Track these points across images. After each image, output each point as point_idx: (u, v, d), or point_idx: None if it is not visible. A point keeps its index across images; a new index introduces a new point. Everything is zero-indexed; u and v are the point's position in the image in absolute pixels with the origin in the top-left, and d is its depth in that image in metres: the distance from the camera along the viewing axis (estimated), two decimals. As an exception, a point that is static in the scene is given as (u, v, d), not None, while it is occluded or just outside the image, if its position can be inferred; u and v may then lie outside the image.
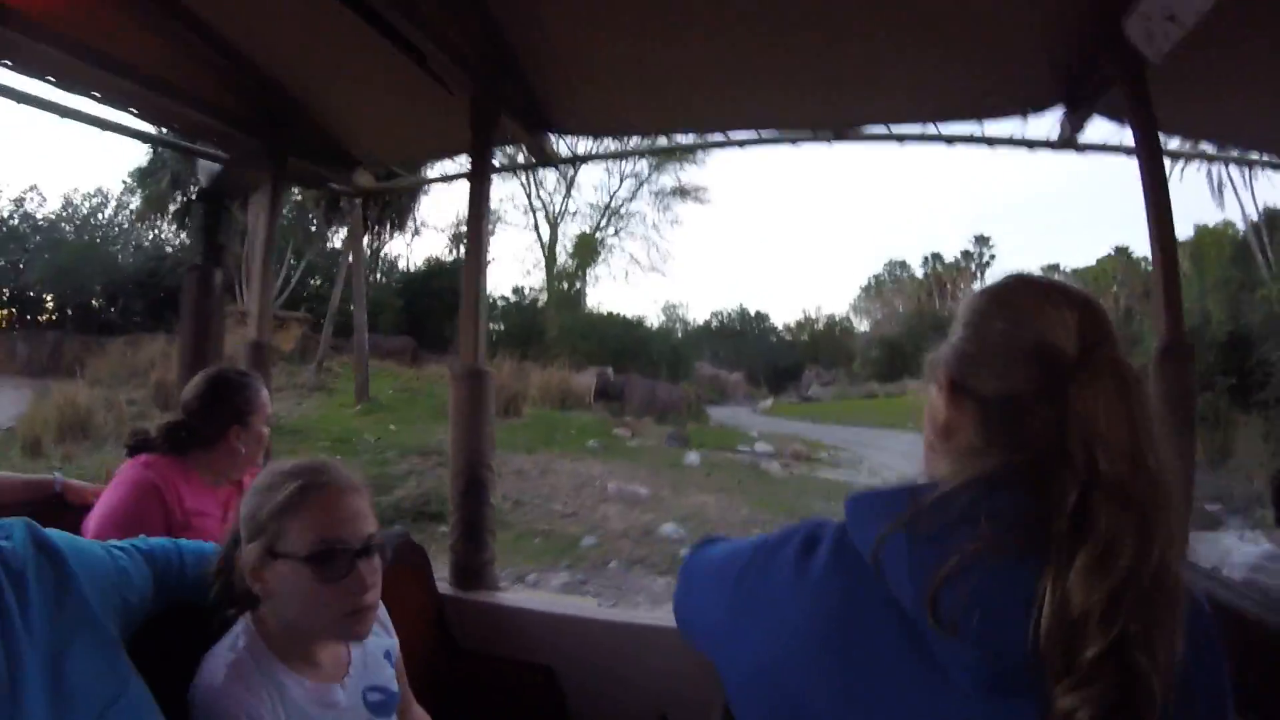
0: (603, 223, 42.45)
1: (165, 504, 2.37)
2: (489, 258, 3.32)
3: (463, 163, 3.75)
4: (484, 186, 3.32)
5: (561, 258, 42.37)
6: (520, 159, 4.18)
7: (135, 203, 28.86)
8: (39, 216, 35.90)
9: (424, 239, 58.89)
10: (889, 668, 0.94)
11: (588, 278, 41.63)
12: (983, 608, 0.88)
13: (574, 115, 3.57)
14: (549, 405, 22.46)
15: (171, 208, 26.41)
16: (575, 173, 37.74)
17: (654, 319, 51.94)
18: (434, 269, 38.03)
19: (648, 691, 2.62)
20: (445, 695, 2.29)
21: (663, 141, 3.55)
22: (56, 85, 3.30)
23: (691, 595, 1.29)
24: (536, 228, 41.95)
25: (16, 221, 35.39)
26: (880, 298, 66.57)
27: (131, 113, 3.62)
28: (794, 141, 3.38)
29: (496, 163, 3.64)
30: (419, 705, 1.95)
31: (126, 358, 24.64)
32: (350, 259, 23.19)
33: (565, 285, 41.18)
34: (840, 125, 3.32)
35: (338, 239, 26.83)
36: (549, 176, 39.28)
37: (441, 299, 34.03)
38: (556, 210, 41.99)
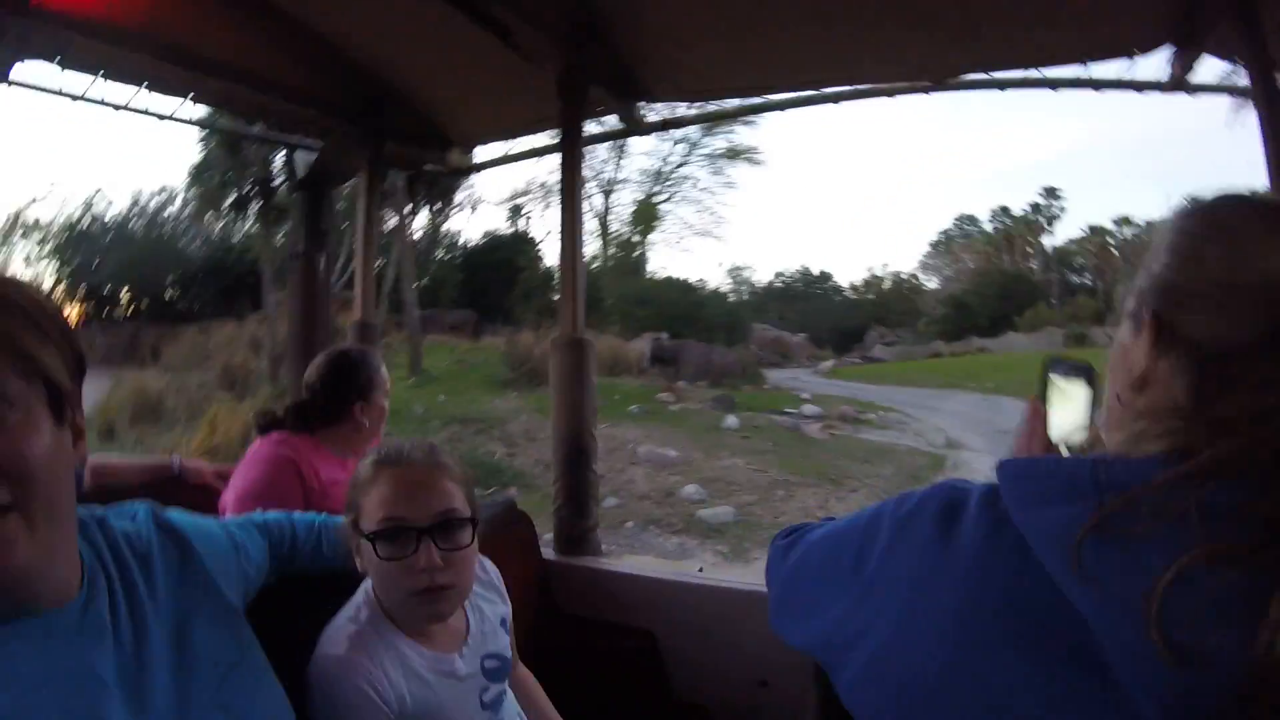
0: (655, 189, 41.96)
1: (302, 476, 2.47)
2: (582, 229, 3.24)
3: (555, 135, 3.66)
4: (576, 158, 3.30)
5: (615, 225, 42.07)
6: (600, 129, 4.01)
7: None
8: (108, 216, 37.27)
9: (483, 214, 58.17)
10: (1049, 679, 0.79)
11: (648, 243, 41.14)
12: (1193, 629, 0.71)
13: (664, 80, 3.50)
14: (599, 372, 22.30)
15: (226, 202, 26.40)
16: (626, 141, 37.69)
17: (716, 283, 51.34)
18: (493, 243, 38.12)
19: (748, 657, 2.59)
20: (548, 659, 2.26)
21: (755, 101, 3.42)
22: (150, 90, 3.38)
23: (790, 587, 1.17)
24: (590, 197, 41.98)
25: (88, 223, 36.69)
26: (950, 254, 64.08)
27: (228, 110, 3.77)
28: (890, 94, 3.26)
29: (590, 132, 3.58)
30: (523, 666, 1.98)
31: (198, 344, 26.13)
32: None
33: (625, 253, 40.89)
34: (939, 74, 3.18)
35: (394, 221, 27.39)
36: (600, 146, 38.58)
37: (500, 271, 34.75)
38: (609, 179, 41.76)
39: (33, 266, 37.35)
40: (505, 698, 1.75)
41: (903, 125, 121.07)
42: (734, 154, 40.58)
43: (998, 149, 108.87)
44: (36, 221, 36.73)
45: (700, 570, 2.88)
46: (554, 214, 38.23)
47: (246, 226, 28.35)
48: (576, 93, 3.26)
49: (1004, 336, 41.62)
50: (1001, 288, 49.51)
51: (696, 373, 24.23)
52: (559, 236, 3.30)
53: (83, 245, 35.76)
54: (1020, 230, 59.07)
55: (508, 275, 34.50)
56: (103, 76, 3.21)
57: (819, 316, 51.68)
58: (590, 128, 3.55)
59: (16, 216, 37.10)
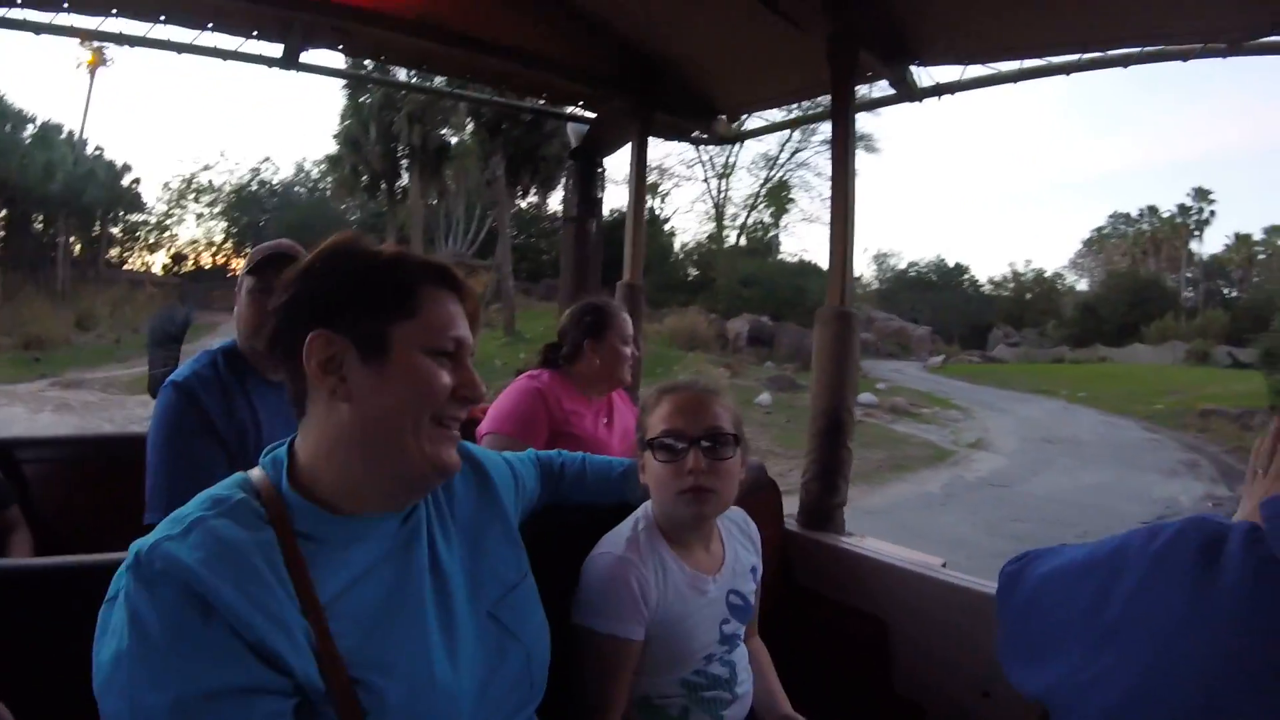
0: (773, 174, 41.21)
1: (548, 405, 2.77)
2: (853, 201, 3.01)
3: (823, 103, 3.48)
4: (847, 126, 3.07)
5: (732, 209, 41.44)
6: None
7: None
8: (275, 182, 40.34)
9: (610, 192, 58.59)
10: None
11: (781, 226, 40.41)
12: None
13: (939, 41, 3.22)
14: (678, 346, 24.02)
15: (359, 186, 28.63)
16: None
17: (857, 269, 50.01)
18: (611, 220, 38.88)
19: (976, 664, 2.36)
20: (779, 629, 2.22)
21: (1036, 63, 3.07)
22: (428, 71, 3.85)
23: (1019, 623, 1.16)
24: (706, 180, 41.27)
25: (256, 188, 39.82)
26: (1103, 253, 59.16)
27: (502, 89, 3.94)
28: (1184, 57, 2.89)
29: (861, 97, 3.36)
30: (758, 638, 2.07)
31: None
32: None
33: (750, 235, 40.31)
34: (1238, 34, 2.76)
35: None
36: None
37: (619, 248, 34.71)
38: (723, 164, 41.07)
39: (203, 224, 39.88)
40: (741, 644, 1.87)
41: (1054, 116, 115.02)
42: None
43: (1154, 142, 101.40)
44: (210, 183, 39.10)
45: (944, 565, 2.63)
46: (679, 194, 37.98)
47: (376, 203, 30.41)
48: (846, 57, 3.05)
49: (1129, 347, 39.23)
50: (1133, 294, 46.08)
51: (789, 354, 24.48)
52: (829, 207, 3.10)
53: (250, 207, 37.82)
54: (1167, 233, 54.66)
55: (619, 252, 34.81)
56: (382, 61, 3.52)
57: (949, 310, 48.79)
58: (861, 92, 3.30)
59: (190, 179, 39.56)
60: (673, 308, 28.80)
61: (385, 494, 1.19)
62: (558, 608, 1.58)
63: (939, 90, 3.28)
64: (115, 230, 40.25)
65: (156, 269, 41.50)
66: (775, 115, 4.24)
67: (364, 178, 28.05)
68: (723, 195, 41.61)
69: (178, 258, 42.42)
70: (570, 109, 4.18)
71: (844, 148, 3.05)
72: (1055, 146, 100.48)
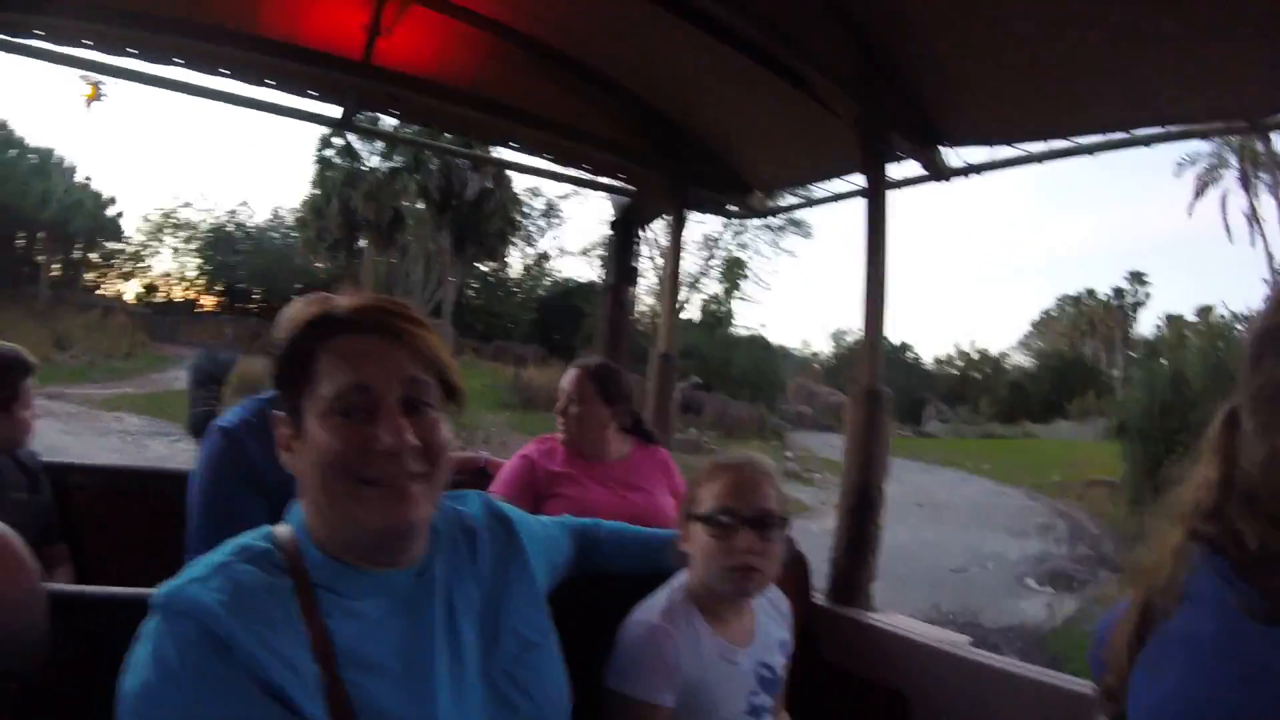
0: (714, 254, 41.67)
1: (534, 471, 2.76)
2: (884, 279, 2.98)
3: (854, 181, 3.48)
4: (880, 204, 3.03)
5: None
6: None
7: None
8: (250, 225, 40.47)
9: (564, 261, 59.08)
10: None
11: (733, 299, 40.52)
12: None
13: (963, 124, 3.19)
14: None
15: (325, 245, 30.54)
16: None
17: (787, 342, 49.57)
18: (567, 289, 39.13)
19: None
20: (802, 702, 2.13)
21: (1062, 145, 3.07)
22: (481, 141, 4.02)
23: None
24: (651, 257, 41.85)
25: (231, 229, 39.90)
26: (1048, 334, 58.98)
27: (545, 157, 3.83)
28: (1205, 136, 2.92)
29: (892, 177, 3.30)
30: (785, 712, 2.00)
31: None
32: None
33: (714, 308, 40.49)
34: (1259, 111, 2.70)
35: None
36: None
37: (569, 315, 35.46)
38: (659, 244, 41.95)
39: (178, 259, 39.84)
40: (767, 717, 1.81)
41: (1020, 198, 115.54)
42: (793, 224, 39.72)
43: (1113, 225, 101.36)
44: (187, 222, 39.00)
45: (972, 643, 2.55)
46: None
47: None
48: (875, 138, 3.03)
49: (1054, 423, 39.35)
50: (1059, 373, 46.62)
51: (712, 422, 25.07)
52: (863, 285, 3.02)
53: (224, 247, 37.80)
54: (1101, 315, 55.17)
55: (575, 318, 34.95)
56: (433, 126, 3.80)
57: (889, 386, 48.83)
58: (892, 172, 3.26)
59: (169, 214, 39.55)
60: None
61: (365, 551, 1.16)
62: (595, 674, 1.62)
63: (968, 170, 3.27)
64: (93, 256, 39.65)
65: (129, 296, 40.97)
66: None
67: (326, 242, 29.77)
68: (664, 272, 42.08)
69: (150, 288, 42.11)
70: (609, 179, 4.12)
71: (877, 225, 3.00)
72: (1014, 229, 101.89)
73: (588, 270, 40.37)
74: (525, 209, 35.52)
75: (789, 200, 3.96)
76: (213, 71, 3.10)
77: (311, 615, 1.08)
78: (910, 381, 50.18)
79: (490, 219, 28.97)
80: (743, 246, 38.18)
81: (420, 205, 29.35)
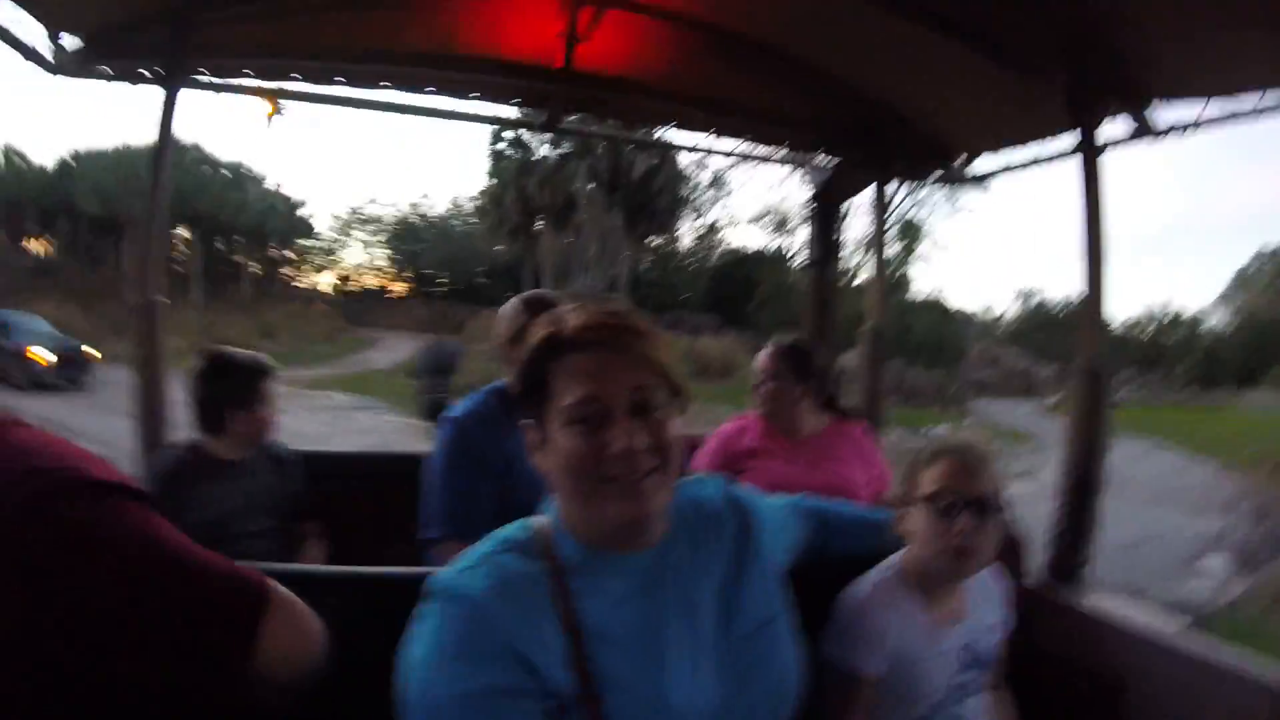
0: (887, 215, 40.20)
1: (725, 447, 2.88)
2: (1103, 246, 2.81)
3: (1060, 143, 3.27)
4: (1092, 166, 2.86)
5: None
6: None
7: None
8: (432, 215, 42.98)
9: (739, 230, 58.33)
10: None
11: (912, 262, 39.14)
12: None
13: (1178, 80, 2.92)
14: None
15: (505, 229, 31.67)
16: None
17: (974, 306, 46.90)
18: (739, 258, 38.60)
19: None
20: (1013, 689, 2.12)
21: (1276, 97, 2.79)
22: (678, 128, 3.73)
23: None
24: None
25: (415, 220, 42.46)
26: (1244, 294, 51.32)
27: (746, 139, 3.86)
28: None
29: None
30: (1002, 690, 2.04)
31: (492, 323, 28.63)
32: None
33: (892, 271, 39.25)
34: None
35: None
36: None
37: (743, 284, 35.23)
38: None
39: (367, 250, 42.61)
40: (973, 697, 1.85)
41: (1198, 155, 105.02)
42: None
43: None
44: (373, 217, 41.81)
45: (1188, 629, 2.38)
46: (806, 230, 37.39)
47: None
48: (1084, 99, 2.88)
49: (1255, 392, 34.26)
50: (1257, 335, 41.85)
51: (890, 390, 24.00)
52: (1080, 252, 2.85)
53: (409, 237, 39.99)
54: None
55: (748, 287, 34.56)
56: (634, 122, 3.72)
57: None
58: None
59: (357, 211, 42.47)
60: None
61: (608, 538, 1.27)
62: (815, 647, 1.68)
63: (1181, 128, 3.04)
64: (289, 254, 42.65)
65: (324, 287, 44.26)
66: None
67: (505, 227, 31.14)
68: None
69: (343, 278, 45.49)
70: (808, 156, 4.13)
71: (1091, 187, 2.85)
72: (1205, 185, 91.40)
73: (758, 238, 40.00)
74: (693, 182, 35.62)
75: (993, 164, 3.75)
76: (419, 90, 3.29)
77: (562, 595, 1.22)
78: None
79: (658, 196, 29.95)
80: (917, 206, 36.87)
81: (592, 186, 30.06)
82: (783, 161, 4.23)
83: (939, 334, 33.07)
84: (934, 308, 36.78)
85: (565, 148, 29.24)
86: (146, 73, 3.14)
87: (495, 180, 30.85)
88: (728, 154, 4.10)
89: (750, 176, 40.16)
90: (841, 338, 4.31)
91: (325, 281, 44.96)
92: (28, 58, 2.72)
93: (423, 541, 2.40)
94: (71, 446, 1.23)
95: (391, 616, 1.26)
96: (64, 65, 2.93)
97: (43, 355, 18.37)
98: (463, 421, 2.45)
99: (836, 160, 3.88)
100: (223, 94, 3.24)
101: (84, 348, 19.74)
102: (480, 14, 3.06)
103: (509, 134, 29.58)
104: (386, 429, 15.17)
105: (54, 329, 20.52)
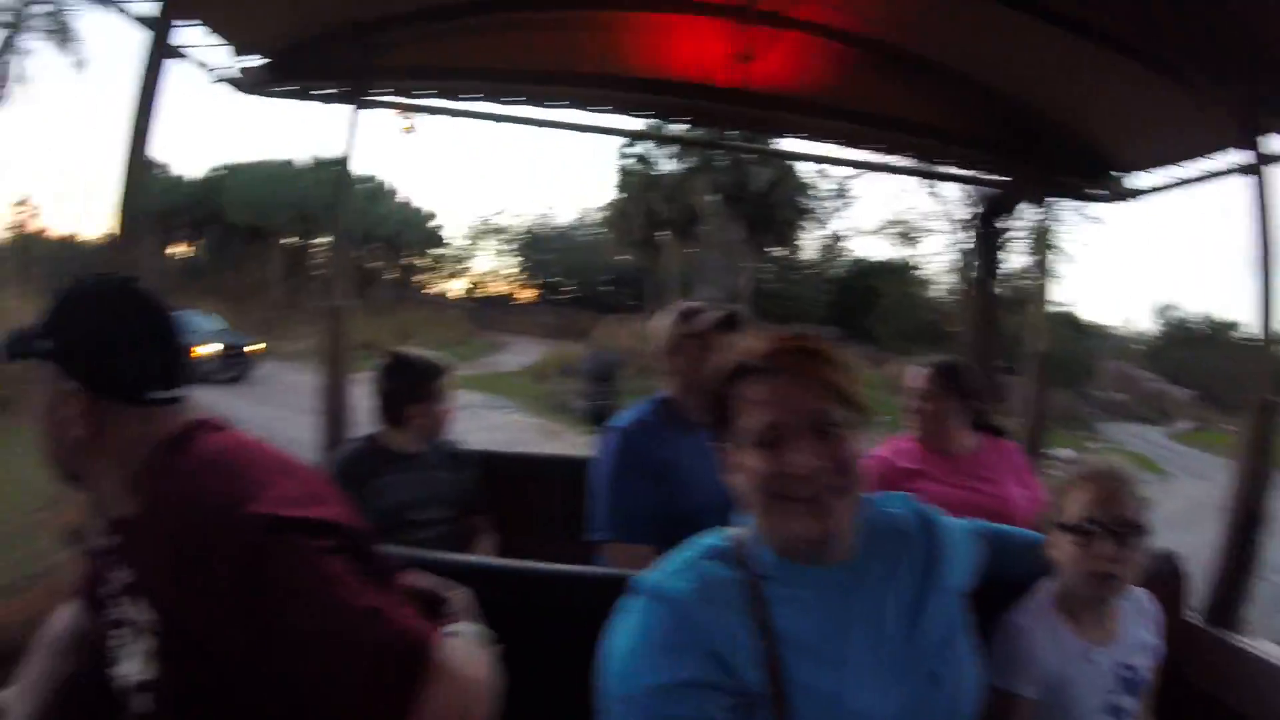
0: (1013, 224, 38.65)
1: (883, 473, 2.77)
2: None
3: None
4: (1263, 183, 2.76)
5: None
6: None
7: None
8: (558, 225, 43.92)
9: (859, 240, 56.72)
10: None
11: (1047, 274, 37.29)
12: None
13: None
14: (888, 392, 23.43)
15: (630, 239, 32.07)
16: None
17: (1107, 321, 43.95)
18: (862, 268, 37.67)
19: None
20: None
21: None
22: (847, 146, 3.71)
23: None
24: (954, 231, 39.20)
25: (542, 230, 43.54)
26: None
27: (908, 157, 3.83)
28: None
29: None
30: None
31: (616, 330, 29.93)
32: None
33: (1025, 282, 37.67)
34: None
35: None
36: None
37: (866, 295, 34.10)
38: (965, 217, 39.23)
39: (497, 259, 43.95)
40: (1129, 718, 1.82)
41: None
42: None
43: None
44: (502, 227, 44.09)
45: None
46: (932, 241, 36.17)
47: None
48: (1255, 115, 2.76)
49: None
50: None
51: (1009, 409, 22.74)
52: (1252, 275, 2.75)
53: (536, 246, 41.18)
54: None
55: (870, 298, 33.74)
56: (804, 138, 3.65)
57: (1218, 373, 37.29)
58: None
59: (486, 221, 43.95)
60: (913, 356, 27.80)
61: (796, 551, 1.32)
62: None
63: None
64: (421, 262, 44.29)
65: (455, 293, 45.50)
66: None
67: (631, 239, 31.69)
68: (962, 247, 39.51)
69: (474, 285, 46.64)
70: (971, 174, 4.12)
71: (1262, 208, 2.74)
72: None
73: (882, 249, 38.98)
74: (814, 192, 35.17)
75: (1155, 181, 3.59)
76: (590, 109, 3.40)
77: (757, 601, 1.28)
78: (1240, 368, 43.11)
79: (780, 208, 29.91)
80: (1045, 216, 35.23)
81: (715, 198, 30.10)
82: (944, 178, 4.16)
83: (1069, 350, 31.46)
84: (1065, 322, 35.03)
85: (689, 162, 29.46)
86: (329, 91, 3.36)
87: (622, 194, 31.42)
88: (892, 170, 4.05)
89: (873, 186, 39.21)
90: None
91: (456, 288, 46.45)
92: (217, 79, 2.94)
93: (590, 542, 2.49)
94: (262, 457, 1.31)
95: (574, 611, 1.38)
96: (249, 85, 3.16)
97: (209, 350, 19.24)
98: (627, 430, 2.52)
99: (1001, 178, 3.84)
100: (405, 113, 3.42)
101: (248, 344, 20.88)
102: (653, 35, 3.16)
103: (634, 151, 29.96)
104: (514, 427, 15.45)
105: (225, 324, 21.77)
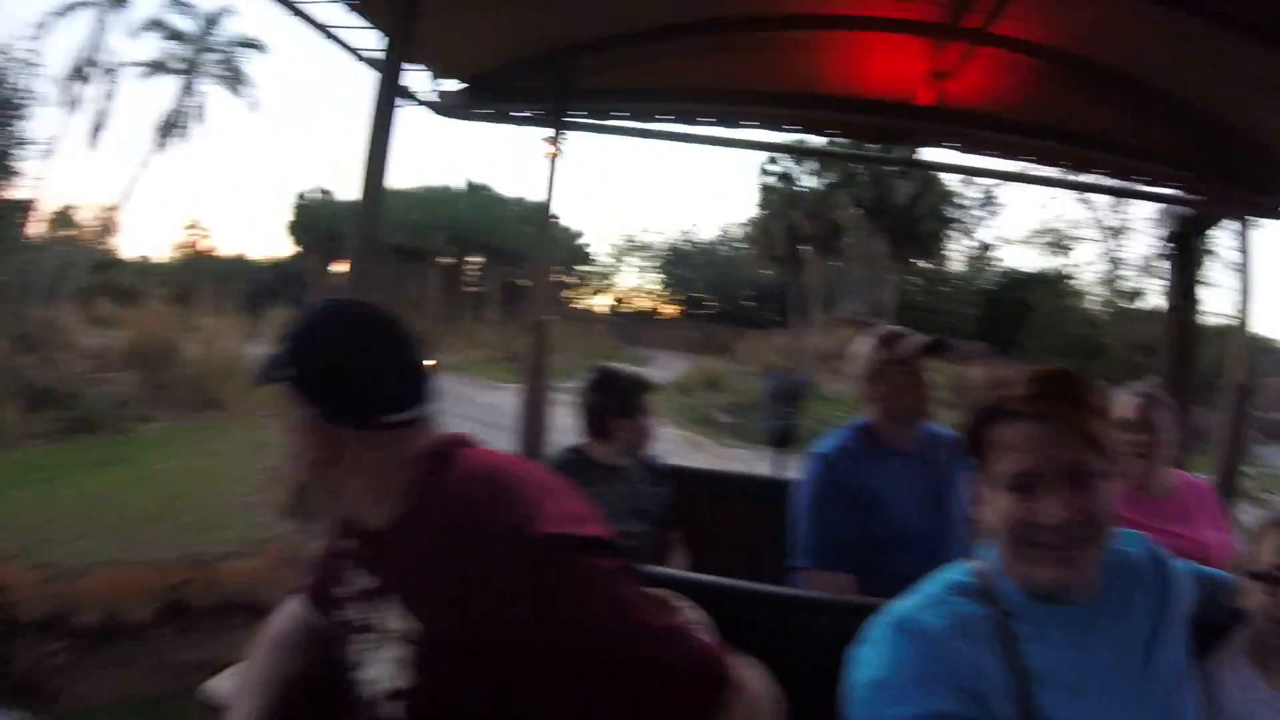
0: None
1: None
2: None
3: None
4: None
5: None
6: None
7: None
8: (701, 242, 44.40)
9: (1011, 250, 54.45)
10: None
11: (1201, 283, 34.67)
12: None
13: None
14: None
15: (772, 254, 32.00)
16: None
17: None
18: (1011, 280, 35.90)
19: None
20: None
21: None
22: (1035, 162, 3.67)
23: None
24: (1104, 239, 36.45)
25: (685, 246, 44.31)
26: None
27: (1098, 174, 3.72)
28: None
29: None
30: None
31: (759, 345, 30.29)
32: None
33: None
34: None
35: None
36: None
37: (1016, 309, 32.38)
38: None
39: (640, 275, 44.73)
40: None
41: None
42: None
43: None
44: (646, 244, 45.31)
45: None
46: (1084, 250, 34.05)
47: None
48: None
49: None
50: None
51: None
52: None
53: (679, 262, 41.61)
54: None
55: (1020, 311, 32.17)
56: (996, 155, 3.55)
57: None
58: None
59: (630, 239, 44.81)
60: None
61: (1036, 591, 1.30)
62: None
63: None
64: (568, 279, 45.44)
65: (600, 308, 46.50)
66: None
67: (773, 255, 31.71)
68: (1115, 256, 36.78)
69: (618, 300, 47.79)
70: (1165, 191, 3.88)
71: None
72: None
73: (1032, 259, 37.21)
74: (961, 201, 33.96)
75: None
76: (780, 129, 3.40)
77: (1006, 638, 1.28)
78: None
79: (923, 220, 29.29)
80: (1243, 236, 32.62)
81: (857, 212, 29.69)
82: (1137, 195, 3.93)
83: (1224, 365, 29.07)
84: (1222, 334, 32.51)
85: (830, 178, 29.23)
86: (527, 114, 3.47)
87: (764, 211, 31.41)
88: (1082, 188, 3.90)
89: (1021, 194, 37.51)
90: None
91: (601, 303, 47.46)
92: (415, 102, 3.07)
93: (789, 567, 2.48)
94: (526, 474, 1.32)
95: (800, 636, 1.39)
96: (447, 108, 3.29)
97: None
98: (831, 458, 2.49)
99: (1196, 196, 3.62)
100: (598, 134, 3.51)
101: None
102: (845, 54, 3.15)
103: (775, 168, 29.86)
104: (661, 439, 15.34)
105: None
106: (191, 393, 8.83)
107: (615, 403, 2.86)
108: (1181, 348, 3.50)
